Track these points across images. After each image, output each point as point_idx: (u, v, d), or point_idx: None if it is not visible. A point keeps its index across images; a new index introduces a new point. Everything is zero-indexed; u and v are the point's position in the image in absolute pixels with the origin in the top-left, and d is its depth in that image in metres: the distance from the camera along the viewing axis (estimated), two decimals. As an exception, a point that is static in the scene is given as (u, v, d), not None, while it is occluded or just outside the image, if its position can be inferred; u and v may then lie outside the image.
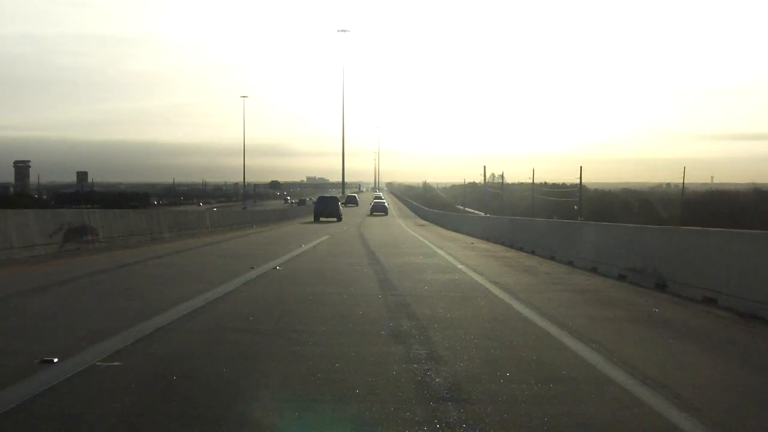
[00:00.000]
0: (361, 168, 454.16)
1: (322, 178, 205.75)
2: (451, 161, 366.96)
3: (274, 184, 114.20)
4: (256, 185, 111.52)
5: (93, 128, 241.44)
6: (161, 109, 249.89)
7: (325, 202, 59.84)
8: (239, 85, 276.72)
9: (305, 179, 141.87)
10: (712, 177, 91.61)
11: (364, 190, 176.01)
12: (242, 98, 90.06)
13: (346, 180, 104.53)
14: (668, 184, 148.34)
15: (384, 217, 66.23)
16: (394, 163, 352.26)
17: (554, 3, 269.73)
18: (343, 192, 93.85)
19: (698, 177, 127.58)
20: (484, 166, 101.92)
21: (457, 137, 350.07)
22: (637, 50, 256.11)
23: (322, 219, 56.30)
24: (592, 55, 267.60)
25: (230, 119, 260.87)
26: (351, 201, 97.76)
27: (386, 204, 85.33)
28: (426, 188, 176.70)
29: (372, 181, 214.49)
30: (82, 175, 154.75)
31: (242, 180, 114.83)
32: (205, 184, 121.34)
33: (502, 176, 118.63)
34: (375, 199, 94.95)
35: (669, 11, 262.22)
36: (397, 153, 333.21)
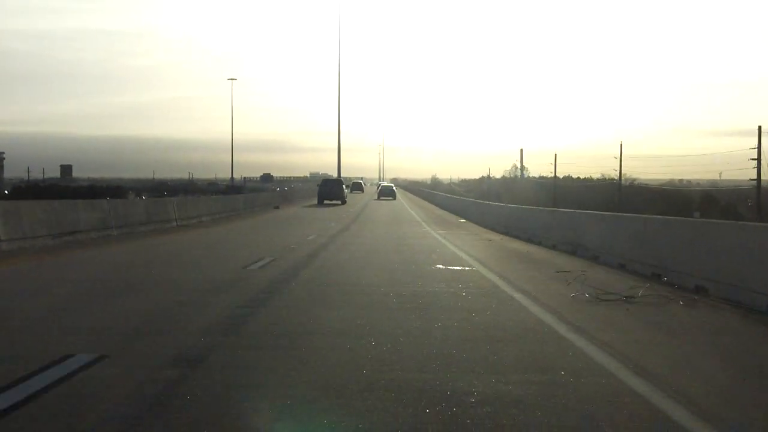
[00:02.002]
0: (364, 164, 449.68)
1: (326, 174, 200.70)
2: (456, 158, 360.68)
3: (266, 178, 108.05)
4: (246, 179, 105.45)
5: (91, 123, 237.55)
6: (160, 103, 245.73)
7: (329, 184, 59.35)
8: (241, 82, 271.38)
9: (308, 175, 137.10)
10: (720, 173, 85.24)
11: (368, 185, 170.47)
12: (230, 80, 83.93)
13: (349, 176, 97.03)
14: (680, 180, 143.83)
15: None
16: (397, 160, 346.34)
17: (557, 14, 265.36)
18: (338, 174, 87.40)
19: (705, 174, 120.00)
20: (521, 150, 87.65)
21: (462, 134, 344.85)
22: (639, 45, 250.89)
23: (326, 202, 56.88)
24: (596, 50, 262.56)
25: (239, 114, 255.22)
26: (357, 188, 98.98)
27: (393, 188, 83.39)
28: (435, 182, 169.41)
29: (376, 177, 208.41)
30: (66, 169, 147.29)
31: (241, 174, 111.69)
32: (191, 178, 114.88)
33: (557, 165, 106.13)
34: (381, 184, 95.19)
35: (676, 5, 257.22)
36: (401, 149, 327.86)
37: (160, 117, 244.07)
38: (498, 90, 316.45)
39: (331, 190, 57.56)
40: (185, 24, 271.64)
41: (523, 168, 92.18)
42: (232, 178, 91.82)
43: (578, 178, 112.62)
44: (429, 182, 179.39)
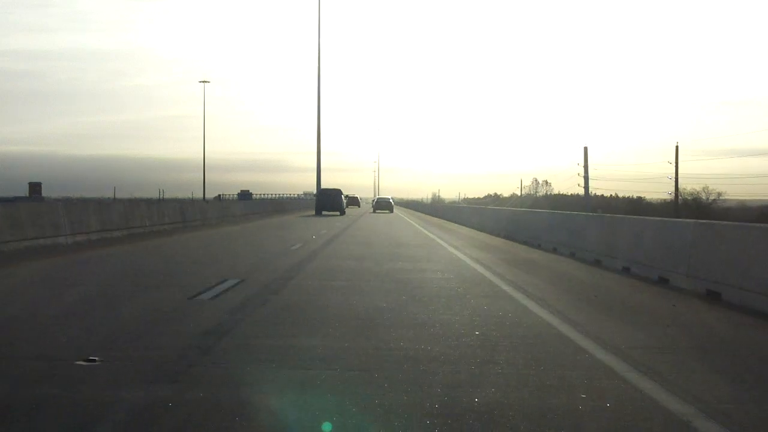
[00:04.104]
0: (360, 184, 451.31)
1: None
2: (456, 179, 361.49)
3: (244, 195, 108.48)
4: (221, 195, 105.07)
5: (81, 142, 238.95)
6: (154, 123, 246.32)
7: (327, 194, 59.45)
8: (236, 102, 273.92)
9: (302, 193, 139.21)
10: (719, 194, 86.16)
11: (364, 203, 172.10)
12: (202, 83, 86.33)
13: (347, 194, 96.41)
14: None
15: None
16: (394, 180, 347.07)
17: (574, 18, 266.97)
18: (318, 188, 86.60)
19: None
20: (585, 148, 69.91)
21: (461, 154, 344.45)
22: (645, 59, 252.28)
23: (324, 213, 57.22)
24: (598, 65, 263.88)
25: (228, 134, 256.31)
26: (353, 202, 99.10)
27: (390, 200, 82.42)
28: (436, 200, 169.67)
29: (371, 196, 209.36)
30: (34, 186, 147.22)
31: (225, 191, 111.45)
32: (162, 196, 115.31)
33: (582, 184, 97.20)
34: (378, 197, 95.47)
35: (687, 22, 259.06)
36: (397, 169, 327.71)
37: (153, 137, 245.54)
38: (501, 109, 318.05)
39: (329, 200, 57.90)
40: (180, 46, 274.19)
41: (588, 175, 72.00)
42: (204, 194, 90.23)
43: (625, 196, 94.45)
44: (429, 201, 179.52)
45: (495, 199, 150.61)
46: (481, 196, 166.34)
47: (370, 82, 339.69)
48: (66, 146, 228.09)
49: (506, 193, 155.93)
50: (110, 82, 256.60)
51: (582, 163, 72.70)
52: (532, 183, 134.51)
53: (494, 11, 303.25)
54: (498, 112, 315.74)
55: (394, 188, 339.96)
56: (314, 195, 68.05)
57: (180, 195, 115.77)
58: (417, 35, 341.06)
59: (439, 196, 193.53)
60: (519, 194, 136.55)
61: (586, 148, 74.09)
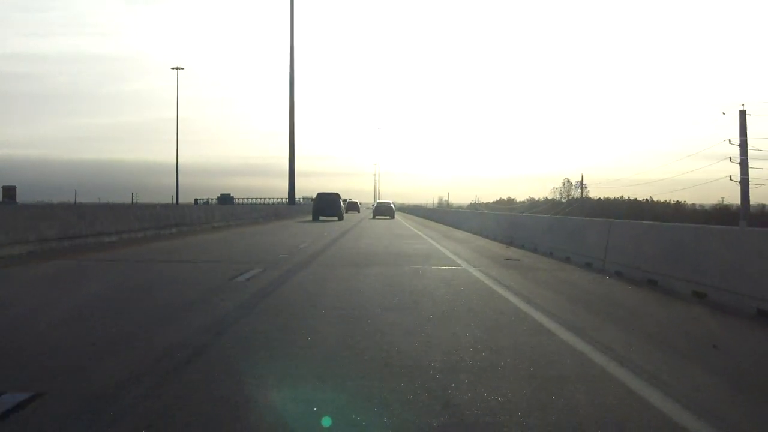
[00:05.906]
0: (359, 188, 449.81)
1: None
2: (463, 182, 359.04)
3: (225, 198, 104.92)
4: (197, 200, 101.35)
5: (74, 145, 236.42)
6: (147, 126, 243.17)
7: (325, 199, 59.71)
8: (230, 106, 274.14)
9: (301, 199, 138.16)
10: (722, 198, 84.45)
11: (363, 208, 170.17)
12: (175, 70, 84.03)
13: (346, 198, 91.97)
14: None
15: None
16: (395, 184, 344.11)
17: (581, 20, 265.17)
18: (290, 193, 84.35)
19: (705, 198, 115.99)
20: (742, 111, 53.85)
21: (466, 158, 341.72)
22: (641, 63, 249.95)
23: (321, 218, 57.57)
24: (598, 72, 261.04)
25: (220, 138, 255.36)
26: (352, 207, 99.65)
27: (392, 205, 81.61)
28: (442, 205, 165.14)
29: (371, 201, 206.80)
30: (8, 190, 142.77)
31: (215, 195, 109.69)
32: (135, 201, 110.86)
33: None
34: (378, 201, 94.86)
35: (682, 29, 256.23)
36: (398, 174, 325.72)
37: (143, 140, 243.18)
38: (513, 108, 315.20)
39: (327, 205, 58.33)
40: (174, 50, 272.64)
41: (746, 158, 53.03)
42: (177, 198, 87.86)
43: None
44: (435, 206, 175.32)
45: (509, 203, 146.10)
46: (492, 201, 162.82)
47: (370, 83, 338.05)
48: (54, 150, 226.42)
49: (521, 198, 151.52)
50: (103, 86, 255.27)
51: (738, 136, 53.24)
52: (563, 185, 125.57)
53: (499, 7, 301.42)
54: (510, 111, 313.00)
55: (395, 193, 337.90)
56: (311, 200, 68.17)
57: (163, 199, 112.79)
58: (420, 33, 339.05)
59: (447, 201, 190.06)
60: (540, 198, 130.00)
61: (743, 112, 52.70)
